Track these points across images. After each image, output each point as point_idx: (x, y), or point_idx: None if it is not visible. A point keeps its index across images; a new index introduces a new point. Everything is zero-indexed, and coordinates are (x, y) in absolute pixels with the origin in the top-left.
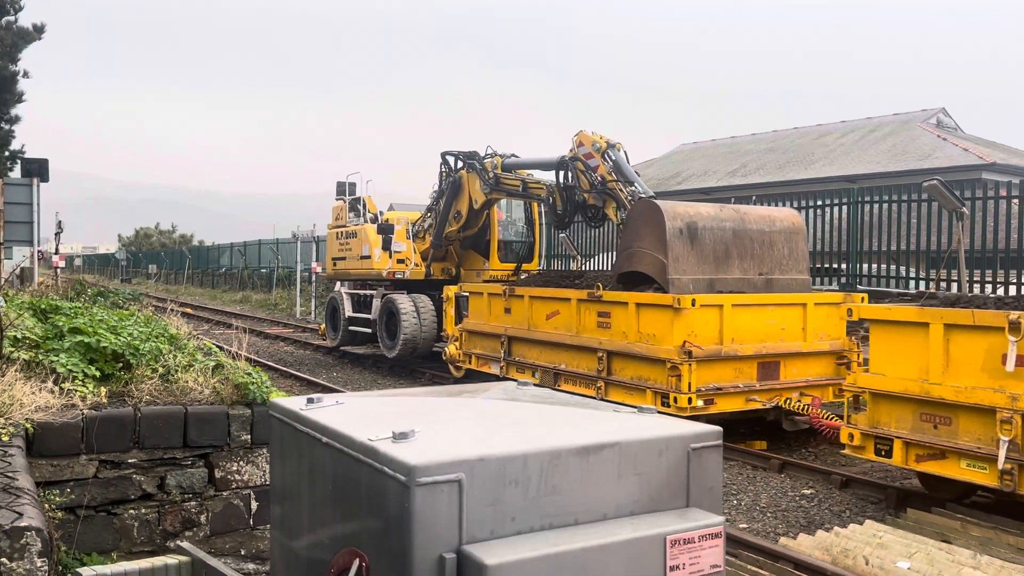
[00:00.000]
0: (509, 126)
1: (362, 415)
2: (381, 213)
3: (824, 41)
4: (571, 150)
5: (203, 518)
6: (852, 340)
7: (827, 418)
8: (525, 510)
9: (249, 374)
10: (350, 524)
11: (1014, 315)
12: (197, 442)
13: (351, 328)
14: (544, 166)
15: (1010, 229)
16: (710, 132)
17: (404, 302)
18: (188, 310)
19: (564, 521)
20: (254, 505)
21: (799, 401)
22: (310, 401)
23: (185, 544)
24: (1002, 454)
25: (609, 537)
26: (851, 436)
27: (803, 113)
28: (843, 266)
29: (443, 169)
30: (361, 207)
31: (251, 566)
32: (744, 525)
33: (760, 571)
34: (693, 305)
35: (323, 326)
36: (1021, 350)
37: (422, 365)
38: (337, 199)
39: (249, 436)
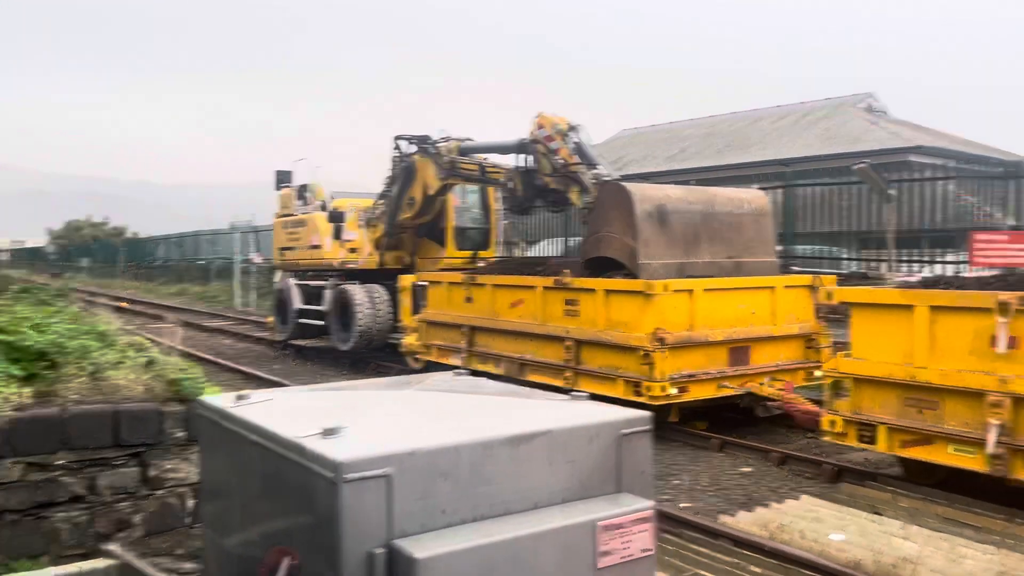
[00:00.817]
0: (460, 116)
1: (291, 412)
2: (330, 200)
3: (759, 25)
4: (531, 132)
5: (137, 518)
6: (820, 323)
7: (800, 403)
8: (456, 502)
9: (183, 370)
10: (280, 522)
11: (1004, 296)
12: (129, 441)
13: (301, 321)
14: (502, 149)
15: (935, 210)
16: (652, 116)
17: (358, 293)
18: (123, 304)
19: (496, 511)
20: (190, 503)
21: (771, 386)
22: (239, 398)
23: (113, 547)
24: (992, 438)
25: (540, 526)
26: (832, 423)
27: (738, 98)
28: (778, 248)
29: (395, 154)
30: (309, 195)
31: (189, 565)
32: (685, 504)
33: (701, 549)
34: (665, 291)
35: (271, 319)
36: (1013, 331)
37: (377, 357)
38: (283, 187)
39: (184, 433)
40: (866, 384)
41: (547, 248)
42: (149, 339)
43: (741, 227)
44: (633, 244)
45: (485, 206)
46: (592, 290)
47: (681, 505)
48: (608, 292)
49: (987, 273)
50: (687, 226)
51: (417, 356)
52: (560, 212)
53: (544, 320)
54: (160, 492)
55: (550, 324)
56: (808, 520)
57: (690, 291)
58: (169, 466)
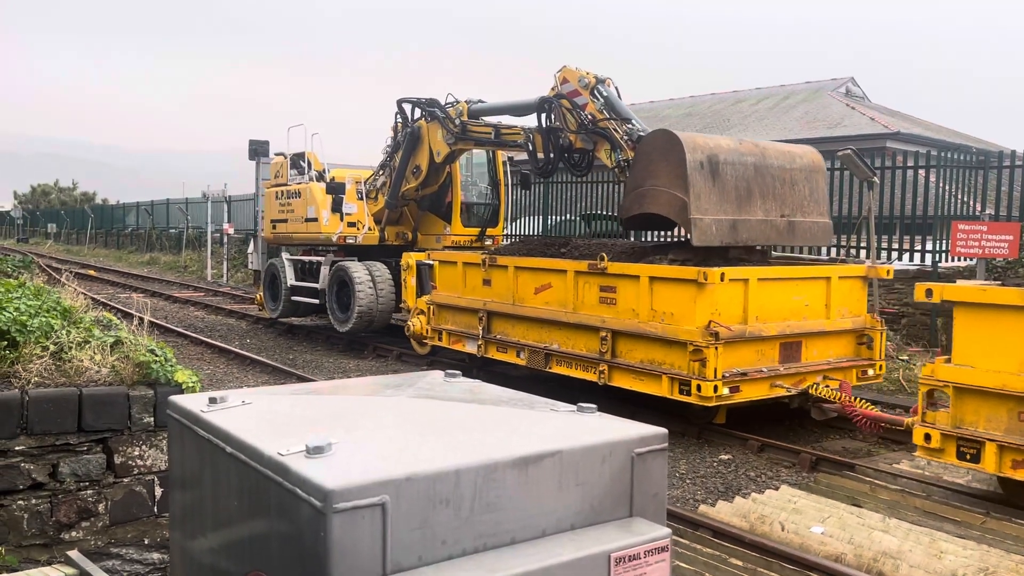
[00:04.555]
0: (435, 90)
1: (272, 419)
2: (327, 170)
3: (741, 7)
4: (552, 88)
5: (101, 507)
6: (875, 317)
7: (862, 406)
8: (457, 531)
9: (152, 351)
10: (258, 545)
11: None
12: (94, 426)
13: (294, 298)
14: (519, 110)
15: (916, 197)
16: (632, 95)
17: (358, 271)
18: (91, 272)
19: (500, 540)
20: (158, 491)
21: (827, 386)
22: (212, 401)
23: (73, 554)
24: None
25: (549, 558)
26: (927, 436)
27: (719, 78)
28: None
29: (398, 119)
30: (304, 164)
31: (155, 556)
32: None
33: (682, 540)
34: (722, 280)
35: (260, 295)
36: None
37: (375, 339)
38: (276, 155)
39: (152, 418)
40: (970, 395)
41: (527, 226)
42: (117, 314)
43: (794, 183)
44: (684, 197)
45: (494, 180)
46: (634, 276)
47: None
48: (653, 279)
49: None
50: (739, 180)
51: (425, 341)
52: (583, 177)
53: (575, 307)
54: (126, 480)
55: (582, 312)
56: (788, 511)
57: (745, 280)
58: (136, 453)
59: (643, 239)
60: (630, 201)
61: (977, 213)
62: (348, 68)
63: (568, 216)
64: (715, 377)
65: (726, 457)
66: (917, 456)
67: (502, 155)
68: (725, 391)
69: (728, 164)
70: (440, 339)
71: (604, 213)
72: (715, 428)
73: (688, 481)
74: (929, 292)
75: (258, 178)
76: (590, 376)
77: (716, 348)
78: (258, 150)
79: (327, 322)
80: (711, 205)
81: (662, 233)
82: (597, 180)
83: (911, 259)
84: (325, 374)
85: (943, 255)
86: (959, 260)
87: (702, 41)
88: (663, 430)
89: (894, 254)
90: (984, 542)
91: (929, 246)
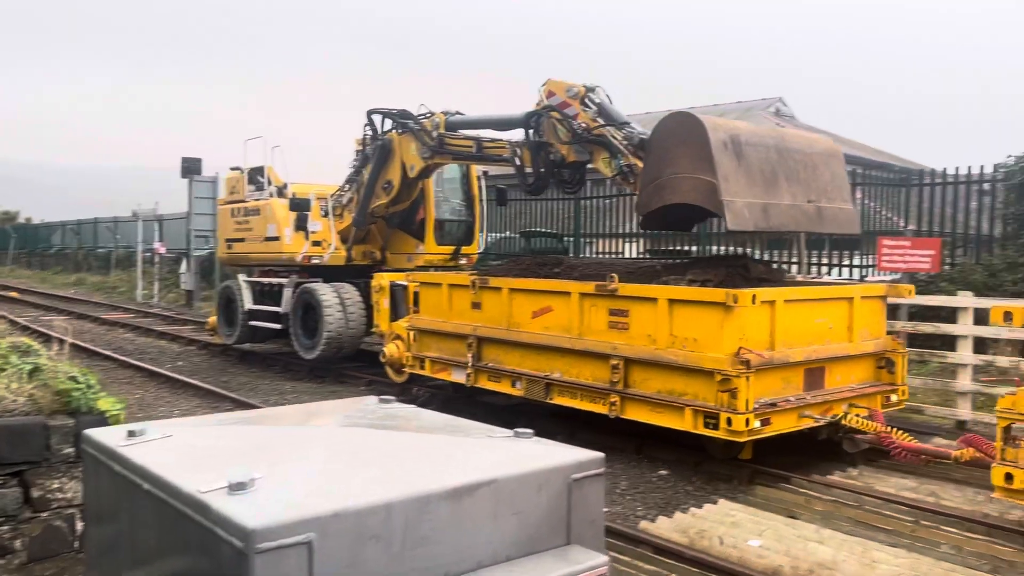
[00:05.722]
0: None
1: (193, 453)
2: (287, 186)
3: (671, 29)
4: (537, 103)
5: (18, 543)
6: (896, 339)
7: (900, 436)
8: (388, 567)
9: (74, 378)
10: None
11: None
12: (9, 458)
13: (252, 323)
14: (503, 124)
15: None
16: None
17: (326, 293)
18: (14, 295)
19: (434, 575)
20: (79, 526)
21: (858, 415)
22: (131, 434)
23: None
24: None
25: None
26: (1009, 476)
27: (650, 99)
28: (693, 248)
29: (367, 132)
30: (264, 179)
31: None
32: (605, 509)
33: (622, 557)
34: (753, 302)
35: (213, 319)
36: None
37: (342, 366)
38: (233, 169)
39: (73, 449)
40: None
41: (539, 245)
42: (38, 338)
43: (816, 168)
44: (712, 180)
45: (468, 196)
46: (649, 299)
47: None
48: (673, 302)
49: None
50: (764, 162)
51: (404, 368)
52: (575, 193)
53: (581, 333)
54: (45, 514)
55: (589, 338)
56: (727, 525)
57: (772, 302)
58: (55, 486)
59: (643, 254)
60: (648, 195)
61: (901, 228)
62: (293, 84)
63: (508, 233)
64: (747, 409)
65: (665, 472)
66: (995, 497)
67: (476, 169)
68: (756, 424)
69: (750, 145)
70: (422, 367)
71: (543, 230)
72: (654, 443)
73: (628, 497)
74: (1008, 316)
75: (191, 196)
76: (599, 408)
77: (747, 377)
78: (191, 168)
79: (288, 347)
80: (740, 188)
81: (674, 244)
82: (542, 198)
83: (839, 274)
84: (261, 396)
85: (870, 270)
86: (884, 274)
87: (635, 58)
88: (600, 455)
89: (824, 268)
90: (915, 550)
91: (857, 261)
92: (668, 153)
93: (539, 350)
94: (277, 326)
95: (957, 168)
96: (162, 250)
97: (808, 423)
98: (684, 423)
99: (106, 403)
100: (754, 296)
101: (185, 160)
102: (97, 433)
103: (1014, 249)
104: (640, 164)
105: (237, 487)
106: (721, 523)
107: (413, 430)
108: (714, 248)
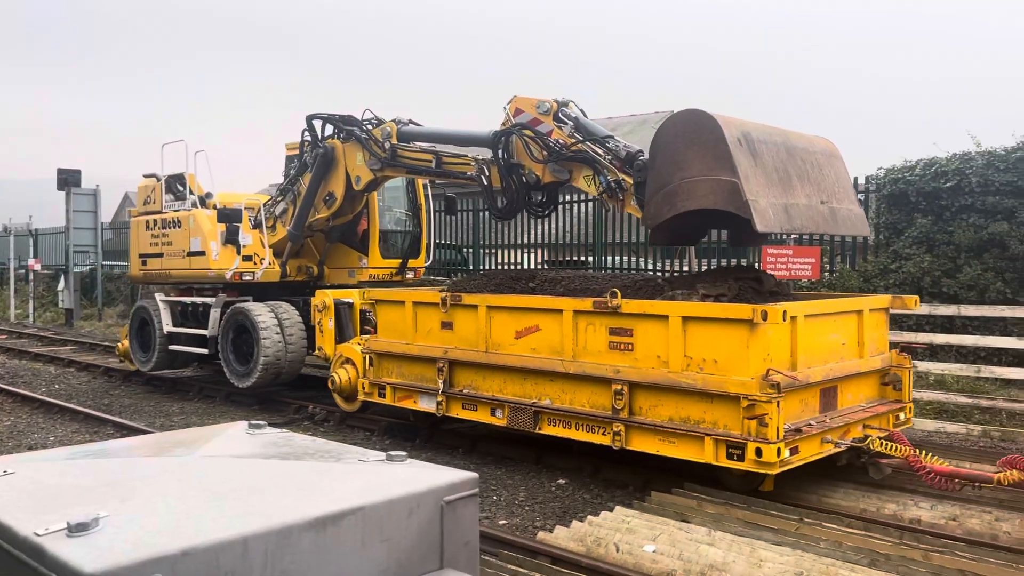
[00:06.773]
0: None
1: (35, 492)
2: (209, 195)
3: (562, 44)
4: (503, 123)
5: None
6: (902, 355)
7: (930, 460)
8: None
9: None
10: None
11: None
12: None
13: (172, 347)
14: (465, 141)
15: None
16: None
17: (262, 314)
18: None
19: None
20: None
21: (879, 438)
22: None
23: None
24: None
25: None
26: None
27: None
28: (590, 259)
29: (306, 138)
30: (184, 188)
31: None
32: (504, 521)
33: (519, 569)
34: (784, 319)
35: (125, 344)
36: None
37: (278, 392)
38: (147, 176)
39: None
40: None
41: (440, 257)
42: None
43: (821, 168)
44: (732, 179)
45: (414, 205)
46: (659, 316)
47: (500, 522)
48: (687, 319)
49: None
50: (776, 160)
51: (358, 397)
52: (546, 217)
53: (575, 355)
54: None
55: (585, 360)
56: (622, 532)
57: (793, 318)
58: None
59: (640, 268)
60: (657, 205)
61: (784, 238)
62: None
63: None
64: (779, 437)
65: (563, 481)
66: None
67: (421, 178)
68: (787, 453)
69: (762, 143)
70: (382, 395)
71: (441, 242)
72: (553, 452)
73: (527, 508)
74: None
75: (68, 209)
76: (600, 439)
77: (778, 403)
78: (68, 179)
79: (212, 372)
80: (760, 187)
81: (671, 260)
82: (482, 208)
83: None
84: (145, 419)
85: None
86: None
87: (520, 77)
88: (473, 475)
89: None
90: (798, 547)
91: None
92: (677, 156)
93: (525, 374)
94: (203, 351)
95: None
96: (37, 266)
97: (830, 449)
98: (703, 455)
99: None
100: (784, 312)
101: (61, 172)
102: None
103: (886, 256)
104: (629, 179)
105: (78, 528)
106: (617, 530)
107: (281, 457)
108: (618, 258)
